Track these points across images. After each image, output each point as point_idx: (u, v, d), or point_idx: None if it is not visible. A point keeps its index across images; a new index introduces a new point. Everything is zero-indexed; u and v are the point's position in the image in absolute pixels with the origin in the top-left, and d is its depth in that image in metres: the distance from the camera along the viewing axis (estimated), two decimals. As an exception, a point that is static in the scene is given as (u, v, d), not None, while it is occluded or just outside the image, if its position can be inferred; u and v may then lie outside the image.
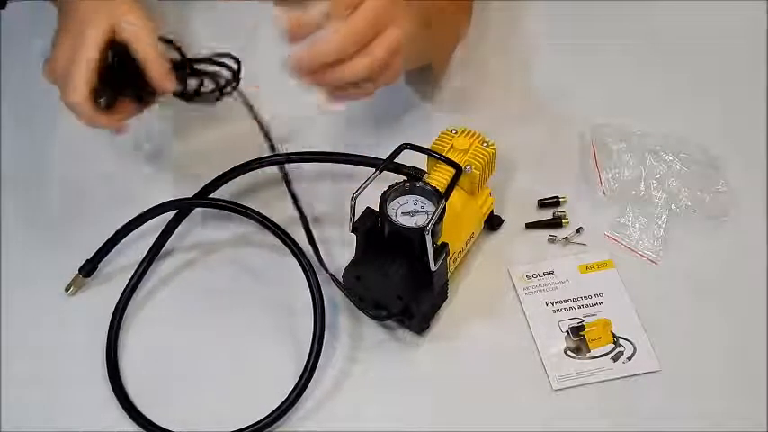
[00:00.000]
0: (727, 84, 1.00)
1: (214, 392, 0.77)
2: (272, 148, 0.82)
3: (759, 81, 1.00)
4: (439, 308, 0.81)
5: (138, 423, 0.75)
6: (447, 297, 0.81)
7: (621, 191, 0.89)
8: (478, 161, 0.80)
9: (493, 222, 0.86)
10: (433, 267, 0.73)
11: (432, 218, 0.72)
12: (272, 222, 0.84)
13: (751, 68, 1.01)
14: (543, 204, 0.89)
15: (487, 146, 0.81)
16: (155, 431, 0.74)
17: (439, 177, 0.79)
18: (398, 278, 0.75)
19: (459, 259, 0.82)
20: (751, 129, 0.96)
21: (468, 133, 0.81)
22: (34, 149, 0.93)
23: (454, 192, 0.77)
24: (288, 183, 0.81)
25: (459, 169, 0.77)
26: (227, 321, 0.82)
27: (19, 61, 1.00)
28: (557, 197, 0.89)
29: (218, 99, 0.82)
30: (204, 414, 0.76)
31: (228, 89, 0.82)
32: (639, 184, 0.90)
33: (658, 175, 0.90)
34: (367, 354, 0.80)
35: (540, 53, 1.03)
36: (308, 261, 0.81)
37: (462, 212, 0.80)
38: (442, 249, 0.74)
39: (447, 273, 0.79)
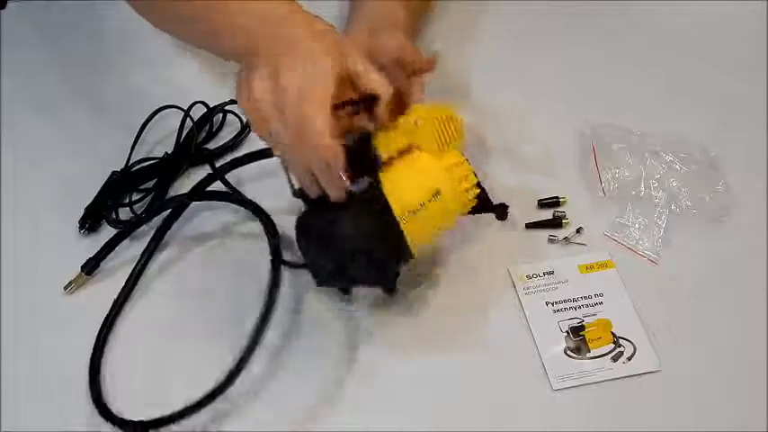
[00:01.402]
0: (727, 84, 1.00)
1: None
2: None
3: (759, 81, 1.00)
4: (399, 263, 0.78)
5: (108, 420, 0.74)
6: (411, 255, 0.77)
7: (621, 191, 0.90)
8: (432, 118, 0.79)
9: (497, 211, 0.85)
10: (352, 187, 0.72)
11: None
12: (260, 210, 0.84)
13: (751, 68, 1.01)
14: (543, 204, 0.89)
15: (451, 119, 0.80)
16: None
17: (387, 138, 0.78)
18: (343, 225, 0.74)
19: (422, 220, 0.77)
20: (751, 129, 0.96)
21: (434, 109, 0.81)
22: (34, 149, 0.93)
23: (414, 150, 0.77)
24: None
25: (375, 97, 0.75)
26: (222, 318, 0.81)
27: (19, 62, 1.00)
28: (557, 197, 0.89)
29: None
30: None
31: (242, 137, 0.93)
32: (639, 184, 0.90)
33: (658, 175, 0.90)
34: (367, 354, 0.80)
35: (540, 53, 1.03)
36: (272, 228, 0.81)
37: (423, 168, 0.78)
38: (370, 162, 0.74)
39: (395, 221, 0.75)
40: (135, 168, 0.89)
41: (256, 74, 0.71)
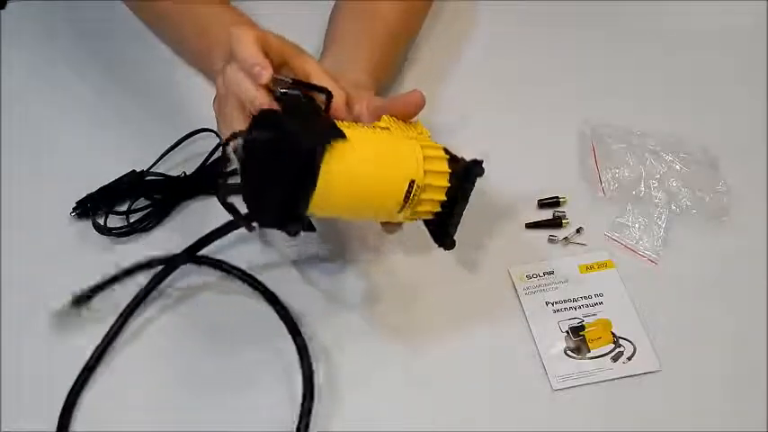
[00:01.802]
0: (727, 84, 1.00)
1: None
2: None
3: (759, 81, 1.00)
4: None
5: None
6: (341, 134, 0.69)
7: (621, 191, 0.90)
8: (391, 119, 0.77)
9: (475, 168, 0.74)
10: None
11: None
12: (258, 282, 0.81)
13: (751, 68, 1.01)
14: (543, 204, 0.89)
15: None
16: None
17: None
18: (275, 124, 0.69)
19: (362, 134, 0.72)
20: (751, 129, 0.96)
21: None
22: (34, 153, 0.93)
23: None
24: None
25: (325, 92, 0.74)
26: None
27: (19, 61, 1.00)
28: (557, 197, 0.89)
29: None
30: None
31: None
32: (639, 184, 0.90)
33: (658, 175, 0.90)
34: (365, 354, 0.80)
35: (540, 53, 1.03)
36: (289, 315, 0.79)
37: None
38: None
39: (323, 113, 0.73)
40: (147, 179, 0.87)
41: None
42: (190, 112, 0.94)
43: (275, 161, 0.69)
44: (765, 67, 1.01)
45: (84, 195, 0.86)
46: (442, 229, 0.77)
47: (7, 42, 1.02)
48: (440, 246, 0.77)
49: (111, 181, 0.87)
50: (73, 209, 0.86)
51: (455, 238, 0.77)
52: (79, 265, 0.82)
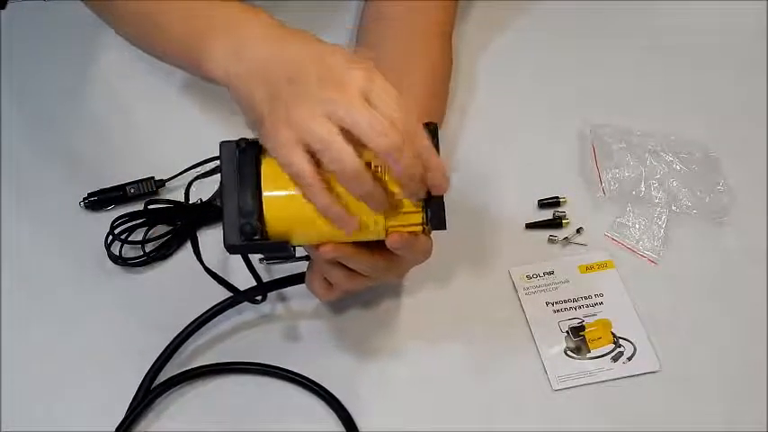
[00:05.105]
0: (727, 84, 1.00)
1: None
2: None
3: (759, 81, 1.00)
4: None
5: None
6: None
7: (621, 191, 0.90)
8: None
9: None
10: None
11: None
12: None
13: (751, 68, 1.01)
14: (543, 204, 0.89)
15: None
16: None
17: None
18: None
19: None
20: (751, 129, 0.96)
21: None
22: (34, 155, 0.93)
23: None
24: None
25: None
26: None
27: (19, 61, 1.00)
28: (557, 197, 0.89)
29: None
30: None
31: None
32: (639, 184, 0.90)
33: (658, 175, 0.90)
34: (365, 354, 0.80)
35: (540, 53, 1.03)
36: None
37: None
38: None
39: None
40: (155, 207, 0.85)
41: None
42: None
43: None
44: (765, 67, 1.01)
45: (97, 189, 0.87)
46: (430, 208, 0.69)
47: (7, 42, 1.02)
48: (430, 225, 0.69)
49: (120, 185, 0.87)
50: (82, 200, 0.86)
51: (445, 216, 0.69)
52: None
